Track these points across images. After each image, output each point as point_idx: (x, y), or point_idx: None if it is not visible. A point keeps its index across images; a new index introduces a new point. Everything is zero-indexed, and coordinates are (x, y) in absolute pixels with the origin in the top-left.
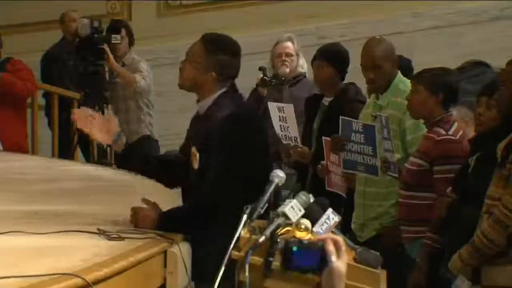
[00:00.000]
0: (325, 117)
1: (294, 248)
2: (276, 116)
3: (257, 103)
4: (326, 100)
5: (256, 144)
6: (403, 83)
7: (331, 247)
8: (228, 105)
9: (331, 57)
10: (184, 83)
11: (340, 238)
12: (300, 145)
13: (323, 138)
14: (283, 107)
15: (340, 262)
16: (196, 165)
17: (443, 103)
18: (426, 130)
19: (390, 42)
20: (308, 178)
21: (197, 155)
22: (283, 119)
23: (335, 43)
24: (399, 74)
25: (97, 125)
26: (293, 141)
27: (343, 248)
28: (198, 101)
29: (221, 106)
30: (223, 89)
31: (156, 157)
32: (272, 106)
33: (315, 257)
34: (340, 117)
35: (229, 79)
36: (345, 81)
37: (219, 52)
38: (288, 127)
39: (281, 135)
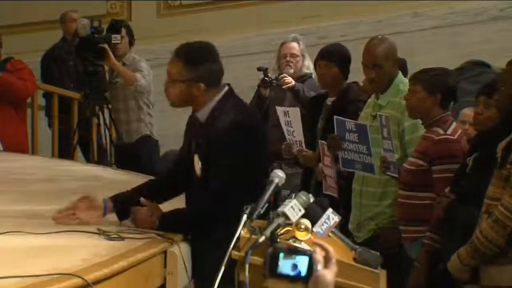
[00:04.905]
0: (328, 117)
1: (281, 255)
2: (283, 120)
3: (259, 104)
4: (330, 100)
5: (258, 151)
6: (403, 83)
7: (318, 256)
8: (229, 110)
9: (335, 57)
10: (175, 102)
11: (331, 249)
12: (305, 149)
13: (319, 141)
14: (288, 111)
15: (327, 271)
16: (198, 172)
17: (441, 103)
18: (424, 130)
19: (392, 42)
20: (312, 178)
21: (199, 162)
22: (288, 123)
23: (337, 43)
24: (400, 74)
25: (82, 209)
26: (298, 145)
27: (334, 260)
28: (193, 111)
29: (222, 112)
30: (220, 95)
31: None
32: (279, 111)
33: (302, 265)
34: (334, 116)
35: (218, 84)
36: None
37: (199, 63)
38: (293, 131)
39: (288, 138)
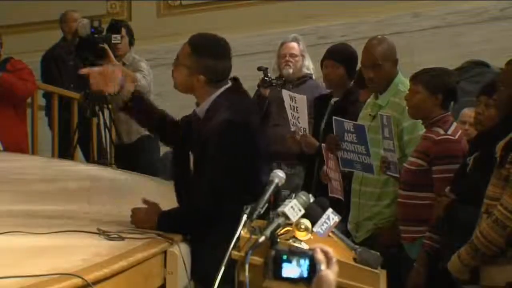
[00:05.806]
0: (330, 117)
1: (284, 257)
2: (288, 104)
3: (259, 104)
4: (334, 100)
5: (250, 150)
6: (402, 83)
7: (320, 256)
8: (225, 109)
9: (341, 57)
10: (178, 86)
11: (330, 249)
12: (308, 135)
13: (322, 145)
14: (295, 97)
15: (329, 271)
16: (192, 168)
17: (442, 103)
18: (423, 130)
19: (391, 42)
20: (314, 178)
21: (192, 159)
22: (294, 108)
23: (344, 44)
24: (399, 75)
25: (97, 76)
26: (302, 131)
27: (334, 260)
28: (197, 104)
29: (217, 110)
30: (219, 91)
31: (156, 114)
32: (285, 93)
33: (304, 266)
34: (333, 117)
35: (221, 81)
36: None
37: (206, 55)
38: (298, 117)
39: (292, 121)
